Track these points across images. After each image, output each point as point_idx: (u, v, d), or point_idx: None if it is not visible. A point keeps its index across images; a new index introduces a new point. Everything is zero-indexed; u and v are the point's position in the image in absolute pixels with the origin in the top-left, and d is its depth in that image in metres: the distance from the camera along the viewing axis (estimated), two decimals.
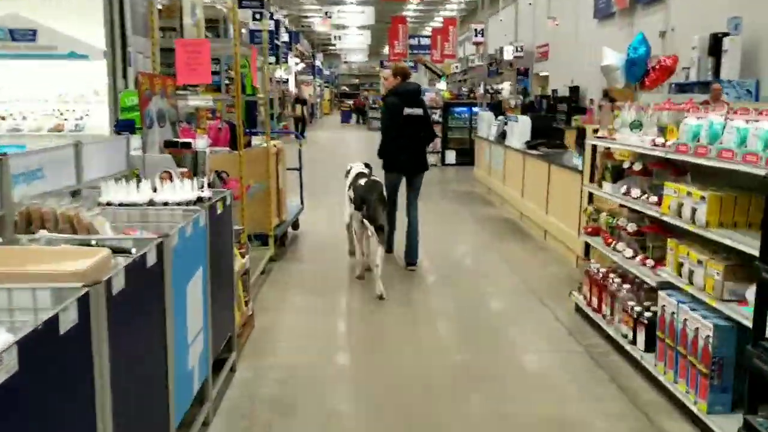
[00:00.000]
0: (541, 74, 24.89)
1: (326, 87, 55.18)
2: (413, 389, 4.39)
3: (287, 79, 24.12)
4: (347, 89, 69.16)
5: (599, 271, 5.31)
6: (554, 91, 21.54)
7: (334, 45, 53.64)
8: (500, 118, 12.49)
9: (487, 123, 13.11)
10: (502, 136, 11.46)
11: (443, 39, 28.73)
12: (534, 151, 9.60)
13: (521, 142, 10.22)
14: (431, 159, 10.93)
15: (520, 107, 17.99)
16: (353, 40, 40.14)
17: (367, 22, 29.36)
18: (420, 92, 7.39)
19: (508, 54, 25.57)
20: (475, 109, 16.99)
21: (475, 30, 27.28)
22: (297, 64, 33.57)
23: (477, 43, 28.54)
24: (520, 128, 10.56)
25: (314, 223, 9.36)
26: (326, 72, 55.89)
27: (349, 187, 6.69)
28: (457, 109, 17.48)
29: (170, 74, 5.83)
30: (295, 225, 8.74)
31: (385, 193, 6.44)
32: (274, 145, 7.51)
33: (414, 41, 30.32)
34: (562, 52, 21.45)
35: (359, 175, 6.70)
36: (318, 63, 43.13)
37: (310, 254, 8.03)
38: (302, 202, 9.10)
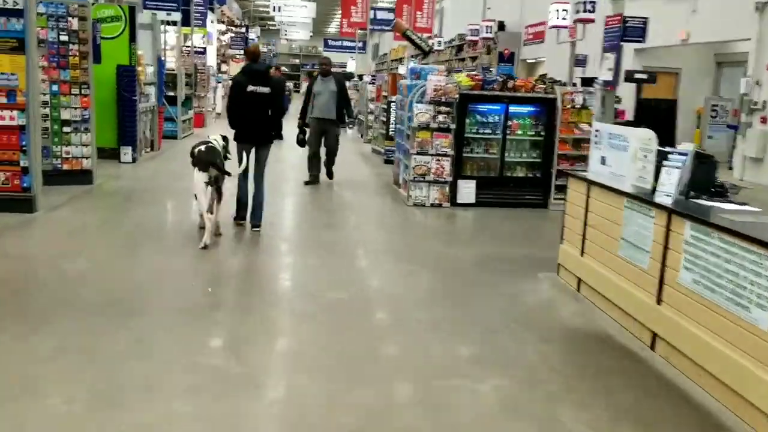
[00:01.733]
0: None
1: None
2: None
3: (204, 50, 20.21)
4: (287, 70, 65.50)
5: None
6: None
7: (272, 19, 49.65)
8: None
9: (613, 149, 5.58)
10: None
11: (416, 7, 24.42)
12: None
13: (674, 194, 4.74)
14: (420, 192, 9.74)
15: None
16: (296, 13, 36.22)
17: None
18: (267, 72, 7.89)
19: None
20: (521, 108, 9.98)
21: None
22: (223, 33, 29.34)
23: None
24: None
25: None
26: (263, 49, 51.56)
27: (191, 155, 7.36)
28: (483, 107, 9.89)
29: None
30: None
31: (221, 156, 7.33)
32: None
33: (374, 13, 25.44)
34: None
35: (201, 143, 7.42)
36: (252, 36, 38.86)
37: None
38: None
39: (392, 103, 14.08)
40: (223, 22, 28.63)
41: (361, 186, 11.67)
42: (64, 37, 9.42)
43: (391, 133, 14.11)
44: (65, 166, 9.70)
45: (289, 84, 38.70)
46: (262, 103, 7.43)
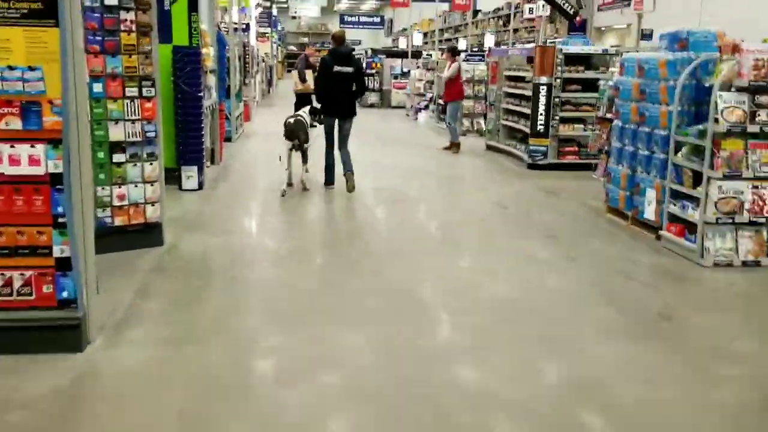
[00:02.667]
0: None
1: (279, 45, 46.55)
2: None
3: (246, 27, 16.09)
4: (295, 49, 61.08)
5: None
6: None
7: None
8: None
9: None
10: None
11: None
12: None
13: None
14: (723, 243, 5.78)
15: None
16: None
17: None
18: (351, 54, 8.44)
19: None
20: None
21: None
22: (257, 6, 25.11)
23: None
24: None
25: None
26: (278, 27, 47.22)
27: (284, 125, 8.42)
28: None
29: None
30: None
31: (307, 128, 8.32)
32: None
33: None
34: None
35: (290, 116, 8.50)
36: (274, 12, 34.58)
37: None
38: None
39: (542, 87, 10.04)
40: None
41: (560, 221, 7.61)
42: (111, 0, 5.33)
43: (540, 128, 10.12)
44: (118, 220, 5.62)
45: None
46: (346, 81, 8.17)
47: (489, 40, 20.29)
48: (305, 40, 61.50)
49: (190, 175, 8.20)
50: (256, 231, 6.91)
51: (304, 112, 8.45)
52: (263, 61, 24.67)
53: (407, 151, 12.96)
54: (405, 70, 22.61)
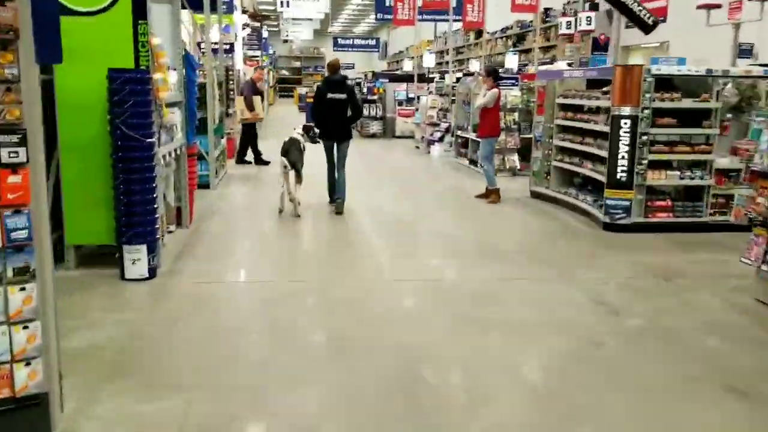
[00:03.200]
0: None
1: (270, 69, 44.04)
2: None
3: (230, 48, 13.50)
4: (287, 74, 58.77)
5: None
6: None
7: (273, 19, 43.05)
8: None
9: None
10: None
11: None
12: None
13: None
14: None
15: None
16: (306, 7, 29.47)
17: None
18: (344, 82, 8.98)
19: None
20: None
21: None
22: (245, 26, 22.52)
23: None
24: None
25: None
26: (270, 50, 44.75)
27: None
28: None
29: None
30: None
31: (301, 146, 8.62)
32: None
33: None
34: None
35: (288, 137, 8.67)
36: (265, 34, 32.09)
37: None
38: None
39: (624, 120, 7.38)
40: (245, 12, 21.79)
41: (727, 348, 4.83)
42: None
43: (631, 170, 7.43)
44: None
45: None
46: (340, 107, 8.68)
47: (511, 61, 17.74)
48: (297, 64, 59.32)
49: (135, 259, 5.44)
50: (242, 383, 4.08)
51: (299, 131, 8.88)
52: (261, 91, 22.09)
53: (427, 198, 10.29)
54: (411, 95, 20.06)
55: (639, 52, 17.66)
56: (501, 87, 10.18)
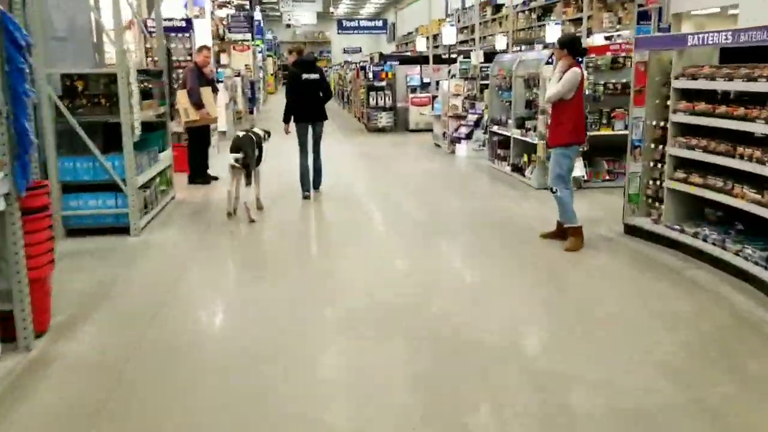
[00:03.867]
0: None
1: (269, 55, 40.37)
2: None
3: (188, 22, 9.94)
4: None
5: None
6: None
7: (274, 4, 39.60)
8: None
9: None
10: None
11: None
12: None
13: None
14: None
15: None
16: None
17: None
18: (315, 62, 9.03)
19: None
20: None
21: None
22: (220, 6, 18.90)
23: None
24: None
25: None
26: (267, 36, 41.07)
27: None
28: None
29: None
30: None
31: (256, 144, 7.61)
32: None
33: None
34: None
35: (242, 131, 7.85)
36: (257, 16, 28.45)
37: None
38: None
39: None
40: None
41: None
42: None
43: None
44: None
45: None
46: (314, 87, 8.49)
47: (553, 32, 14.05)
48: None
49: None
50: None
51: (257, 131, 7.96)
52: (238, 75, 18.46)
53: (462, 236, 6.70)
54: (426, 80, 16.39)
55: (692, 21, 13.93)
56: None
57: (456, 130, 12.14)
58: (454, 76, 12.70)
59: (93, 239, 6.31)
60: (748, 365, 3.70)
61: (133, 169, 6.40)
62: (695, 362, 3.76)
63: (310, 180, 8.50)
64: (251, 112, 21.29)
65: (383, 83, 16.63)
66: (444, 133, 12.82)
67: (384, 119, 16.72)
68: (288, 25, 48.96)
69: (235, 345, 4.06)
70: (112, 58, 7.30)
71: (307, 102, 8.38)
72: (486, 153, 11.03)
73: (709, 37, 5.34)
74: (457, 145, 12.07)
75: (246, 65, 24.03)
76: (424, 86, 16.70)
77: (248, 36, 23.87)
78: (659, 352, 3.88)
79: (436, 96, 15.60)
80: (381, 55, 19.16)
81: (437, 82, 14.16)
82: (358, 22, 37.72)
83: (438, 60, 16.86)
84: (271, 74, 38.77)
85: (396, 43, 42.96)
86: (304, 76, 8.34)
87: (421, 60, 17.41)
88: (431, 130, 14.21)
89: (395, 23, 44.63)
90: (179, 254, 6.09)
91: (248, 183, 7.26)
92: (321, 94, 8.57)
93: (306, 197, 8.32)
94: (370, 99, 16.83)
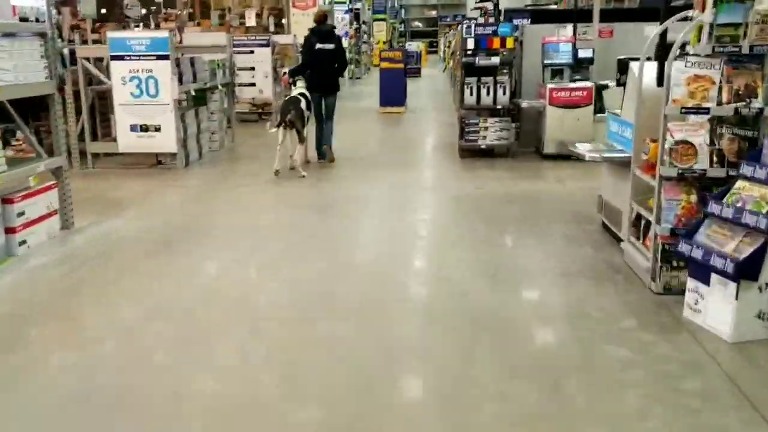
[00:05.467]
0: None
1: (378, 19, 32.24)
2: None
3: None
4: (420, 25, 47.23)
5: None
6: None
7: None
8: None
9: None
10: None
11: None
12: None
13: None
14: None
15: None
16: None
17: None
18: (332, 32, 8.49)
19: None
20: None
21: None
22: None
23: None
24: None
25: None
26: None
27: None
28: None
29: None
30: None
31: (301, 105, 7.62)
32: None
33: None
34: None
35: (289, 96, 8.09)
36: None
37: None
38: None
39: None
40: None
41: None
42: None
43: None
44: None
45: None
46: (328, 58, 8.15)
47: None
48: (433, 13, 47.91)
49: None
50: None
51: (302, 92, 7.97)
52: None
53: None
54: (588, 54, 7.74)
55: None
56: None
57: (706, 251, 3.49)
58: (685, 53, 3.89)
59: None
60: None
61: None
62: None
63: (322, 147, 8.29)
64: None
65: (493, 60, 8.06)
66: (636, 229, 4.20)
67: (492, 133, 8.19)
68: None
69: None
70: None
71: (320, 72, 8.09)
72: None
73: None
74: (697, 293, 3.48)
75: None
76: (580, 66, 8.04)
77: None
78: None
79: (606, 87, 6.94)
80: (497, 7, 10.27)
81: (624, 65, 5.27)
82: None
83: (615, 15, 8.01)
84: (382, 42, 30.70)
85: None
86: (318, 45, 8.09)
87: (576, 16, 8.60)
88: (588, 159, 5.41)
89: None
90: None
91: (301, 141, 7.48)
92: (336, 65, 8.29)
93: (321, 161, 8.14)
94: (467, 90, 8.31)
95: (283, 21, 15.67)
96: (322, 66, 8.08)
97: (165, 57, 7.44)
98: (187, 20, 12.44)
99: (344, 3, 22.59)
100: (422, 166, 8.44)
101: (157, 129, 7.57)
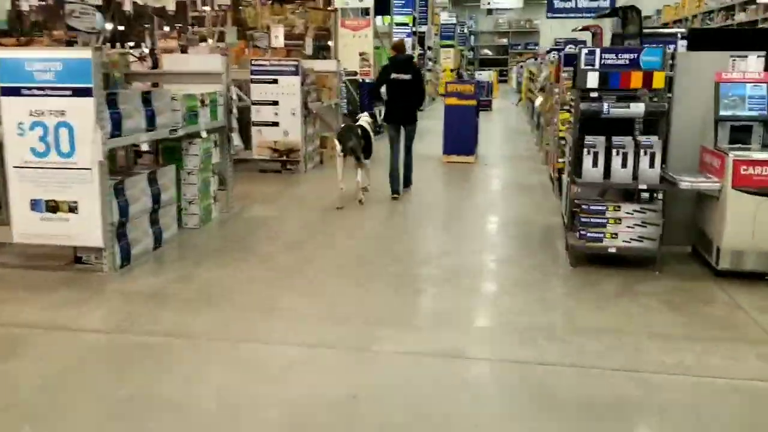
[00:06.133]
0: None
1: (445, 45, 29.17)
2: None
3: None
4: (489, 53, 44.07)
5: None
6: None
7: None
8: None
9: None
10: None
11: None
12: None
13: None
14: None
15: None
16: None
17: None
18: (409, 61, 8.26)
19: None
20: None
21: None
22: None
23: None
24: None
25: None
26: (446, 18, 30.00)
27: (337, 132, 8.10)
28: None
29: None
30: None
31: (359, 132, 7.50)
32: None
33: None
34: None
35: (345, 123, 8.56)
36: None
37: None
38: None
39: None
40: None
41: None
42: None
43: None
44: None
45: None
46: (404, 88, 7.89)
47: None
48: (504, 41, 44.80)
49: None
50: None
51: (365, 118, 7.98)
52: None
53: None
54: None
55: None
56: None
57: None
58: None
59: None
60: None
61: None
62: None
63: (399, 182, 7.86)
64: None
65: (634, 108, 4.78)
66: None
67: (627, 229, 4.88)
68: (489, 11, 38.22)
69: None
70: None
71: (395, 102, 7.91)
72: None
73: None
74: None
75: (362, 55, 13.24)
76: None
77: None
78: None
79: None
80: (635, 11, 6.70)
81: None
82: (575, 3, 25.38)
83: None
84: (450, 70, 27.60)
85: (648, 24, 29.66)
86: (393, 75, 7.89)
87: (760, 39, 5.21)
88: None
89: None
90: None
91: (359, 166, 7.38)
92: (413, 96, 8.06)
93: (395, 198, 7.73)
94: (588, 157, 5.00)
95: (329, 43, 12.78)
96: (397, 96, 7.87)
97: (86, 92, 4.45)
98: (198, 40, 9.60)
99: (407, 24, 19.61)
100: (502, 284, 4.99)
101: (72, 209, 4.57)
